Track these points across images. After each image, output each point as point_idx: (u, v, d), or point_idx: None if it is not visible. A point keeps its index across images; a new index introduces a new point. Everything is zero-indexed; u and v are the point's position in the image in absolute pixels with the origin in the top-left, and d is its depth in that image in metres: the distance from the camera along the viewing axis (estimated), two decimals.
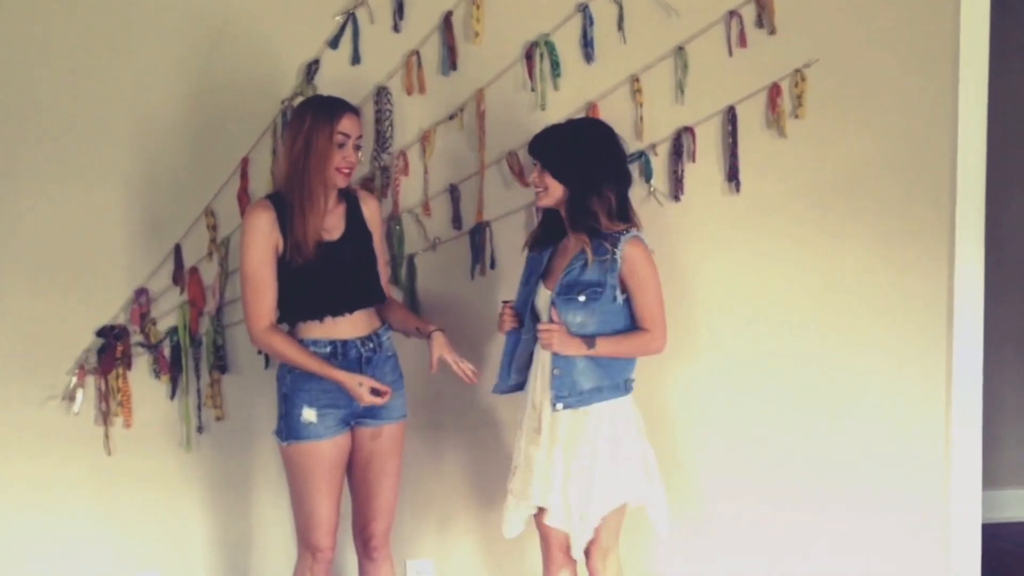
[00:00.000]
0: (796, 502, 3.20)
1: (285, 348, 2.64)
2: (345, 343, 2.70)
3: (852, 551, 3.24)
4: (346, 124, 2.63)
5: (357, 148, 2.67)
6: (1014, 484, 4.24)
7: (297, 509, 2.77)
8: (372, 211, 2.79)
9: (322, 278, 2.65)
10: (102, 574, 3.14)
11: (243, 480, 3.13)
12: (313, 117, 2.61)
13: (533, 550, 3.01)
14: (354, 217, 2.74)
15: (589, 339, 2.62)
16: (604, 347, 2.63)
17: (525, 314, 2.73)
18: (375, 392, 2.64)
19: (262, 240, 2.62)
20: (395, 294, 2.99)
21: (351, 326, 2.71)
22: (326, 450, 2.69)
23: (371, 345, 2.73)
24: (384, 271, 2.82)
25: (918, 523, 3.24)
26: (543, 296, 2.69)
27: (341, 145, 2.63)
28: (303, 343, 2.67)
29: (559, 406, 2.64)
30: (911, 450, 3.21)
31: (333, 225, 2.69)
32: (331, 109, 2.63)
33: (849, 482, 3.21)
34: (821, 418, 3.18)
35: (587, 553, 2.76)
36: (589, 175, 2.58)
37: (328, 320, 2.68)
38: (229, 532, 3.16)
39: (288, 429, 2.69)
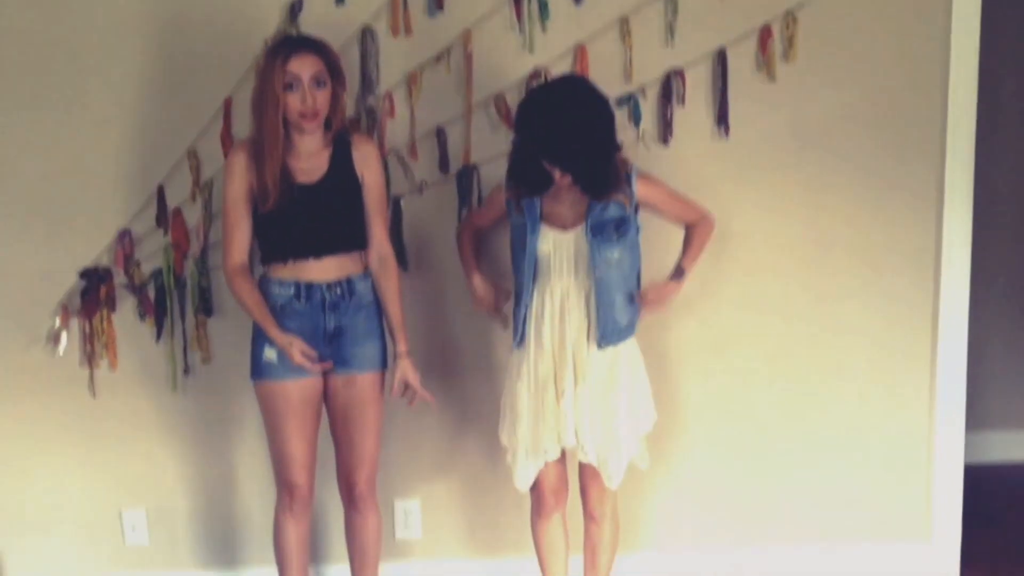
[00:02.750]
0: (778, 440, 3.22)
1: (246, 296, 2.68)
2: (310, 286, 2.69)
3: (833, 491, 3.27)
4: (295, 65, 2.55)
5: (319, 86, 2.57)
6: (998, 426, 4.28)
7: (271, 447, 2.81)
8: (364, 156, 2.72)
9: (288, 221, 2.65)
10: (89, 513, 3.19)
11: (229, 421, 3.15)
12: (267, 58, 2.60)
13: (518, 491, 3.05)
14: (340, 161, 2.70)
15: (677, 275, 2.81)
16: (690, 265, 2.83)
17: (525, 262, 2.68)
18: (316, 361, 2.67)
19: (236, 181, 2.64)
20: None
21: (318, 269, 2.69)
22: (290, 389, 2.71)
23: (339, 291, 2.71)
24: (378, 220, 2.75)
25: (901, 464, 3.27)
26: (557, 240, 2.66)
27: (290, 86, 2.56)
28: (270, 282, 2.69)
29: (604, 345, 2.67)
30: (895, 392, 3.23)
31: (313, 168, 2.66)
32: (280, 50, 2.58)
33: (832, 423, 3.23)
34: (805, 361, 3.19)
35: (591, 493, 2.81)
36: (607, 155, 2.59)
37: (292, 263, 2.68)
38: (214, 472, 3.19)
39: (254, 367, 2.74)
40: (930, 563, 3.31)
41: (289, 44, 2.60)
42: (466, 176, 3.00)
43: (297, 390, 2.73)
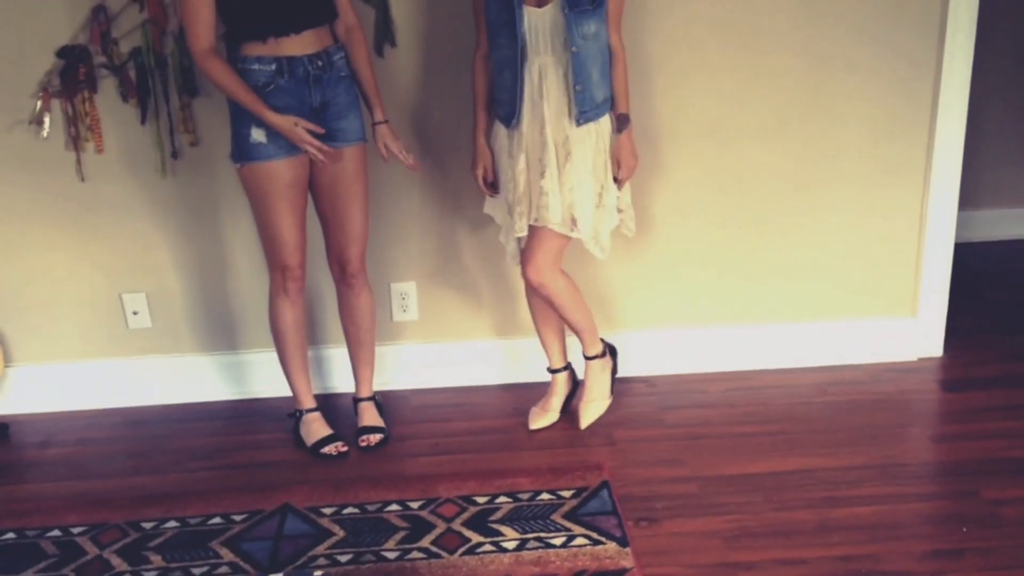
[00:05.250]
0: (768, 214, 3.23)
1: (223, 78, 2.57)
2: (292, 60, 2.61)
3: (823, 268, 3.30)
4: None
5: None
6: (985, 205, 4.30)
7: (262, 231, 2.80)
8: None
9: None
10: (89, 295, 3.21)
11: (219, 203, 3.13)
12: None
13: (512, 268, 3.07)
14: None
15: (622, 123, 2.73)
16: (627, 106, 2.74)
17: (514, 40, 2.61)
18: (319, 145, 2.61)
19: None
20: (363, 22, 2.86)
21: (299, 44, 2.62)
22: (281, 170, 2.68)
23: (320, 63, 2.64)
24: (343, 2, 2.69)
25: (891, 241, 3.29)
26: (534, 16, 2.60)
27: None
28: (247, 60, 2.59)
29: (582, 120, 2.66)
30: (890, 168, 3.20)
31: None
32: None
33: (825, 199, 3.22)
34: (800, 132, 3.14)
35: (525, 267, 2.82)
36: None
37: (272, 40, 2.59)
38: (208, 255, 3.19)
39: (239, 150, 2.68)
40: (914, 338, 3.38)
41: None
42: None
43: (287, 169, 2.69)
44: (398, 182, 3.12)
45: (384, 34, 2.96)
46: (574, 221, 2.73)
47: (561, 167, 2.69)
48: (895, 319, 3.36)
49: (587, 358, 3.02)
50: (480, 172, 2.85)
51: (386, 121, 2.81)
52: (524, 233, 2.78)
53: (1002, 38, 4.04)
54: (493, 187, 2.87)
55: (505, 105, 2.72)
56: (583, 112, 2.66)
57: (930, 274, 3.34)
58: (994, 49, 3.94)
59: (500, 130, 2.77)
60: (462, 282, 3.27)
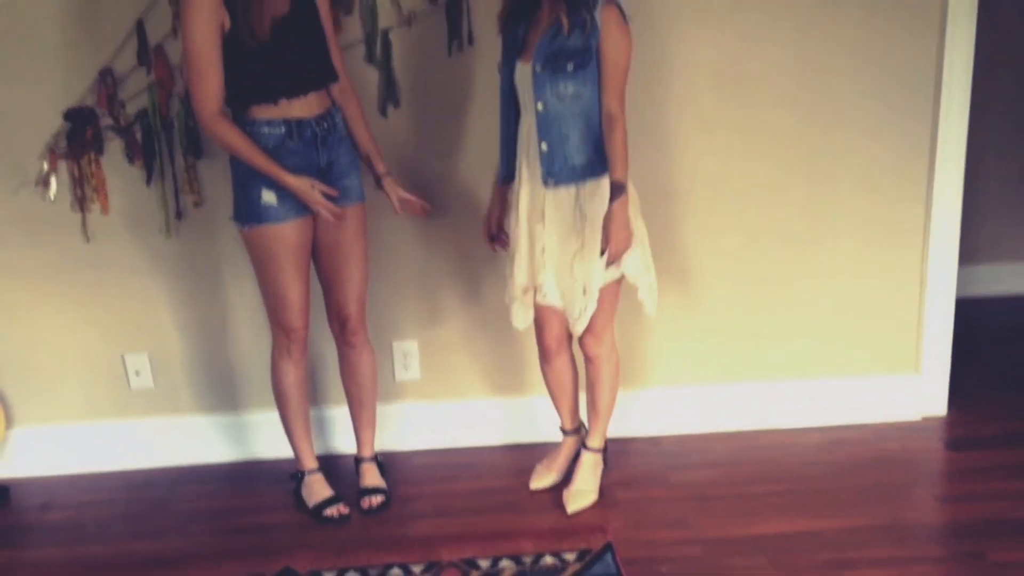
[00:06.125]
0: (772, 275, 3.24)
1: (236, 140, 2.57)
2: (300, 122, 2.64)
3: (826, 326, 3.30)
4: None
5: None
6: (986, 260, 4.31)
7: (266, 292, 2.79)
8: None
9: (276, 57, 2.57)
10: (91, 356, 3.21)
11: (222, 265, 3.14)
12: None
13: (515, 331, 3.07)
14: None
15: (615, 192, 2.53)
16: (623, 175, 2.52)
17: (507, 95, 2.67)
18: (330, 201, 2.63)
19: (206, 17, 2.48)
20: (359, 87, 2.90)
21: (305, 106, 2.64)
22: (289, 232, 2.69)
23: (325, 124, 2.68)
24: (336, 51, 2.72)
25: (893, 298, 3.29)
26: (523, 72, 2.60)
27: None
28: (257, 123, 2.61)
29: (550, 181, 2.60)
30: (890, 226, 3.22)
31: (278, 1, 2.57)
32: None
33: (827, 258, 3.24)
34: (800, 195, 3.17)
35: (582, 337, 2.80)
36: None
37: (283, 102, 2.61)
38: (211, 316, 3.19)
39: (248, 213, 2.67)
40: (919, 395, 3.37)
41: None
42: (455, 7, 2.91)
43: (295, 230, 2.70)
44: (400, 240, 3.13)
45: (388, 94, 2.99)
46: (537, 289, 2.72)
47: (547, 228, 2.67)
48: (898, 376, 3.36)
49: (586, 447, 2.98)
50: (489, 223, 2.85)
51: (389, 173, 2.83)
52: (540, 298, 2.74)
53: (998, 92, 4.08)
54: (494, 240, 2.86)
55: (506, 162, 2.74)
56: (550, 173, 2.60)
57: (932, 331, 3.33)
58: (990, 104, 3.97)
59: (510, 189, 2.76)
60: (465, 340, 3.27)
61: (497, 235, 2.86)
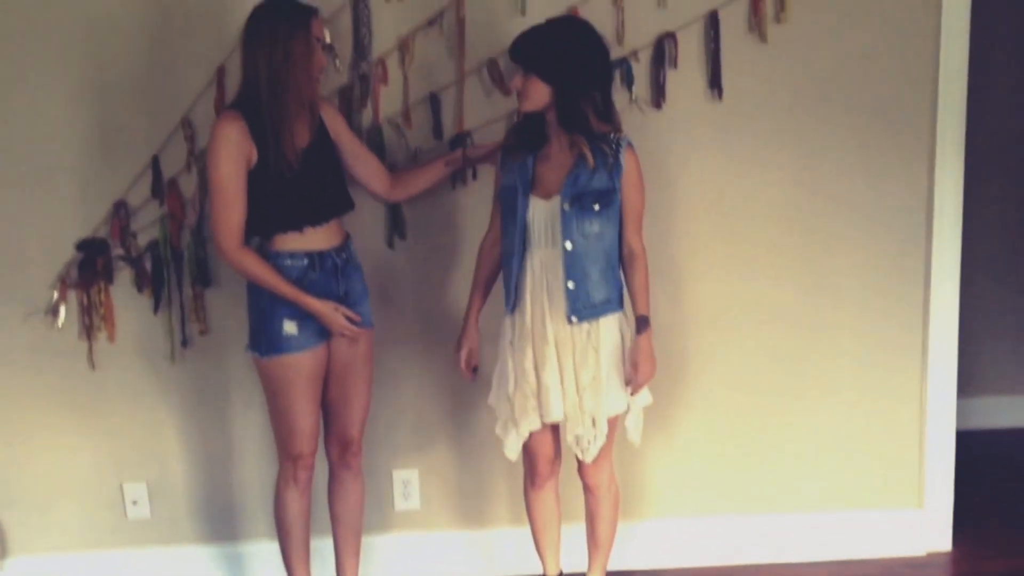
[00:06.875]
0: (769, 408, 3.24)
1: (259, 271, 2.62)
2: (322, 254, 2.70)
3: (826, 460, 3.29)
4: (317, 28, 2.61)
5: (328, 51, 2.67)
6: (986, 392, 4.31)
7: (278, 422, 2.79)
8: (332, 117, 2.77)
9: (301, 187, 2.64)
10: (90, 486, 3.18)
11: (227, 393, 3.15)
12: (288, 24, 2.55)
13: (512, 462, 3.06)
14: (316, 123, 2.71)
15: (641, 325, 2.66)
16: (647, 310, 2.67)
17: (515, 228, 2.65)
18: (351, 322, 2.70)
19: (233, 152, 2.56)
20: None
21: (326, 236, 2.71)
22: (306, 361, 2.71)
23: (344, 255, 2.74)
24: (371, 156, 2.86)
25: (893, 432, 3.28)
26: (539, 208, 2.62)
27: (314, 50, 2.59)
28: (280, 256, 2.66)
29: (574, 319, 2.62)
30: (887, 359, 3.24)
31: (301, 133, 2.66)
32: (303, 14, 2.59)
33: (824, 391, 3.24)
34: (795, 328, 3.20)
35: (582, 467, 2.78)
36: (577, 74, 2.52)
37: (308, 230, 2.67)
38: (213, 445, 3.19)
39: (268, 343, 2.69)
40: (923, 530, 3.33)
41: (307, 9, 2.60)
42: (459, 143, 3.00)
43: (312, 359, 2.73)
44: (401, 369, 3.15)
45: (394, 227, 3.06)
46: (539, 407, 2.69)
47: (562, 361, 2.66)
48: (902, 510, 3.32)
49: None
50: (464, 354, 2.81)
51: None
52: (536, 427, 2.71)
53: (991, 213, 4.12)
54: (475, 372, 2.85)
55: (508, 292, 2.76)
56: (575, 310, 2.62)
57: (934, 464, 3.31)
58: (983, 228, 3.96)
59: (506, 318, 2.76)
60: (465, 469, 3.25)
61: (477, 367, 2.85)
